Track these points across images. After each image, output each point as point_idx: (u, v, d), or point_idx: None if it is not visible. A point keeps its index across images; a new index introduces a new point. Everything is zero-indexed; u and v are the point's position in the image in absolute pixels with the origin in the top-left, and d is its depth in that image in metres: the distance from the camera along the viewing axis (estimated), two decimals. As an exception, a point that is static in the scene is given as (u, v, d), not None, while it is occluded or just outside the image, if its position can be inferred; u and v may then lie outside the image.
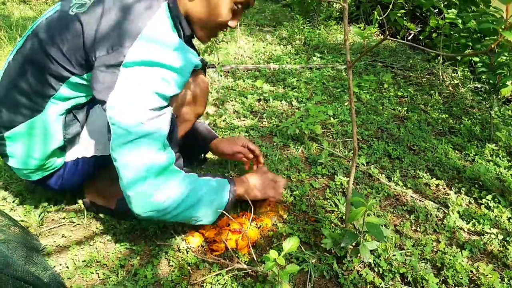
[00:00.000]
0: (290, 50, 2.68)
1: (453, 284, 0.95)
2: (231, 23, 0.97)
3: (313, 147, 1.52)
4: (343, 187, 1.29)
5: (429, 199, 1.27)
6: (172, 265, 1.00)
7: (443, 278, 0.96)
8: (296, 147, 1.52)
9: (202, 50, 1.90)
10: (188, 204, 0.89)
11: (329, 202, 1.21)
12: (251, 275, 0.96)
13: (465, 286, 0.95)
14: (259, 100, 1.93)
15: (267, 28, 3.27)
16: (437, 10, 2.86)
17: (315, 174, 1.37)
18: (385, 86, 2.11)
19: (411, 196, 1.28)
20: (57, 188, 1.07)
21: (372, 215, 1.14)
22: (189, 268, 0.98)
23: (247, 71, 2.27)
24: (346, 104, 1.88)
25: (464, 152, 1.56)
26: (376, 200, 1.23)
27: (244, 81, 2.12)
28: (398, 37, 3.19)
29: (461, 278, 0.95)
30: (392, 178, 1.36)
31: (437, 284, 0.94)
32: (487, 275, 0.96)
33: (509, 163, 1.49)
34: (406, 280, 0.96)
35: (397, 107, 1.93)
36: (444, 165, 1.46)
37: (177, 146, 0.92)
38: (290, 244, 0.86)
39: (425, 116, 1.84)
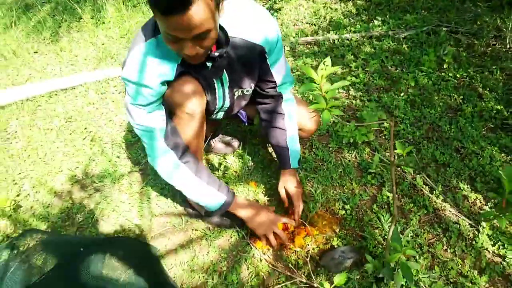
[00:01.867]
0: (351, 10, 2.64)
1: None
2: (185, 52, 0.97)
3: (366, 151, 1.72)
4: (389, 201, 1.52)
5: (465, 215, 1.47)
6: (250, 271, 1.36)
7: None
8: (350, 152, 1.73)
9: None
10: (174, 185, 1.26)
11: (374, 218, 1.47)
12: (309, 286, 1.30)
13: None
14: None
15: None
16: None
17: (365, 183, 1.60)
18: (445, 66, 2.12)
19: (449, 211, 1.49)
20: None
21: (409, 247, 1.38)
22: (263, 274, 1.34)
23: (306, 45, 2.35)
24: (402, 94, 1.97)
25: (511, 156, 1.67)
26: (416, 218, 1.46)
27: (303, 61, 2.23)
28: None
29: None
30: (434, 190, 1.55)
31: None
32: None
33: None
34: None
35: (454, 93, 1.98)
36: (486, 174, 1.60)
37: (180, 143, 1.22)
38: (339, 278, 1.17)
39: (480, 106, 1.90)
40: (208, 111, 1.28)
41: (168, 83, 1.12)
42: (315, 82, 0.88)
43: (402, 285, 1.27)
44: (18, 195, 1.72)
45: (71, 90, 2.36)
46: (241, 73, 1.23)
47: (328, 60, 0.92)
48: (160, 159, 1.20)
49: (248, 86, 1.29)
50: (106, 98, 2.27)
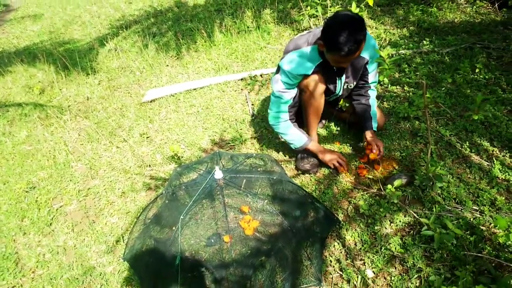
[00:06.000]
0: (405, 33, 3.48)
1: (480, 203, 1.94)
2: (342, 66, 1.95)
3: (416, 123, 2.50)
4: (432, 153, 2.28)
5: (484, 159, 2.19)
6: (339, 189, 2.16)
7: (476, 203, 1.95)
8: (405, 124, 2.52)
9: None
10: (281, 133, 2.19)
11: (421, 161, 2.23)
12: (378, 194, 2.08)
13: (488, 206, 1.92)
14: (381, 85, 2.91)
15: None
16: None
17: (415, 142, 2.37)
18: (477, 70, 2.87)
19: (474, 158, 2.21)
20: None
21: (444, 169, 2.13)
22: (349, 191, 2.14)
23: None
24: (443, 88, 2.75)
25: (522, 127, 2.37)
26: (449, 160, 2.20)
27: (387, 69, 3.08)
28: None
29: (484, 204, 1.93)
30: (463, 145, 2.29)
31: (472, 205, 1.94)
32: (502, 201, 1.92)
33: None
34: (456, 200, 1.97)
35: (482, 88, 2.71)
36: (502, 136, 2.31)
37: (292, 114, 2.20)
38: (397, 182, 1.95)
39: (502, 96, 2.61)
40: (328, 94, 2.21)
41: (305, 76, 2.04)
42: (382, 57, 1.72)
43: (438, 192, 2.02)
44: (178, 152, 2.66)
45: (199, 89, 3.37)
46: (351, 75, 2.15)
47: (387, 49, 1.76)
48: (276, 114, 2.17)
49: (352, 83, 2.19)
50: (226, 93, 3.24)
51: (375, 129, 2.26)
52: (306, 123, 2.27)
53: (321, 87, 2.08)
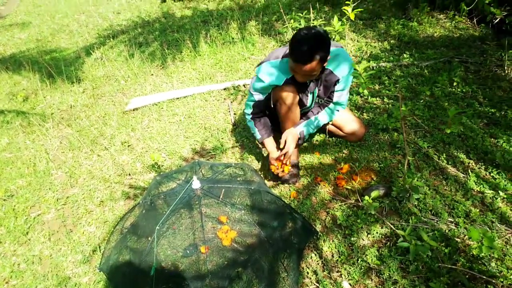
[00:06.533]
0: (386, 47, 3.55)
1: (456, 215, 1.96)
2: (297, 79, 2.02)
3: (395, 135, 2.53)
4: (409, 163, 2.31)
5: (460, 171, 2.23)
6: (318, 199, 2.17)
7: (452, 215, 1.98)
8: (383, 135, 2.55)
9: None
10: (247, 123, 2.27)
11: (399, 172, 2.26)
12: (356, 205, 2.09)
13: (462, 217, 1.95)
14: (361, 96, 2.95)
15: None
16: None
17: (394, 154, 2.40)
18: (454, 84, 2.93)
19: (450, 170, 2.25)
20: None
21: (421, 181, 2.16)
22: (327, 201, 2.15)
23: (352, 70, 3.25)
24: (421, 100, 2.79)
25: (497, 139, 2.42)
26: (427, 172, 2.23)
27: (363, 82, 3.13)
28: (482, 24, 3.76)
29: (459, 216, 1.96)
30: (440, 157, 2.33)
31: (447, 217, 1.96)
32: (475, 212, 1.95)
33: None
34: (432, 212, 2.00)
35: (460, 101, 2.77)
36: (478, 148, 2.35)
37: (259, 111, 2.25)
38: (374, 193, 1.97)
39: (479, 110, 2.67)
40: (301, 106, 2.24)
41: (277, 86, 2.09)
42: (357, 71, 1.75)
43: (414, 204, 2.05)
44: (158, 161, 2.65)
45: (183, 98, 3.37)
46: (322, 90, 2.18)
47: (363, 63, 1.80)
48: (247, 110, 2.25)
49: (322, 98, 2.23)
50: (209, 103, 3.25)
51: (300, 130, 2.23)
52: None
53: (294, 98, 2.13)
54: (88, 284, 1.94)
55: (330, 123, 2.43)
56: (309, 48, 1.81)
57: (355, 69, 1.78)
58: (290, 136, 2.16)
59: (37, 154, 3.01)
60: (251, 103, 2.23)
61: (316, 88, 2.17)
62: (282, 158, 2.18)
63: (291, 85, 2.08)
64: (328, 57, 1.93)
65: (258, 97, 2.19)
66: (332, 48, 1.99)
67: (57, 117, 3.53)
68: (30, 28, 6.40)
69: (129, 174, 2.61)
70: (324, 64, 1.95)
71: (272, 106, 2.22)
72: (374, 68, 3.22)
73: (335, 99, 2.20)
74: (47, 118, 3.51)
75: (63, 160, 2.89)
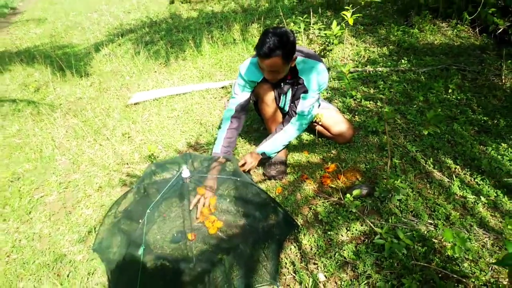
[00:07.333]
0: (385, 52, 3.60)
1: (436, 217, 2.02)
2: (264, 75, 2.13)
3: (384, 138, 2.59)
4: (396, 165, 2.37)
5: (445, 176, 2.28)
6: (302, 196, 2.25)
7: (432, 217, 2.04)
8: (373, 138, 2.61)
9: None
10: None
11: (384, 174, 2.32)
12: (338, 203, 2.16)
13: (442, 220, 2.00)
14: (354, 99, 3.02)
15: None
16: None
17: (381, 156, 2.46)
18: (450, 91, 2.97)
19: (436, 174, 2.30)
20: None
21: (405, 183, 2.22)
22: (311, 198, 2.23)
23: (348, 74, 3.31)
24: (414, 106, 2.85)
25: (486, 147, 2.46)
26: (412, 175, 2.29)
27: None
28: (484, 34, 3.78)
29: (439, 218, 2.01)
30: (427, 161, 2.38)
31: (427, 219, 2.02)
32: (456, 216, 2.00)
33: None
34: (412, 213, 2.05)
35: (453, 108, 2.81)
36: (466, 155, 2.40)
37: (240, 110, 2.28)
38: (355, 192, 2.03)
39: (471, 117, 2.71)
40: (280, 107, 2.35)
41: (257, 83, 2.20)
42: (343, 72, 1.83)
43: (396, 204, 2.11)
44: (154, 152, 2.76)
45: (182, 95, 3.49)
46: (295, 94, 2.27)
47: (348, 65, 1.88)
48: (227, 112, 2.30)
49: (293, 104, 2.31)
50: (206, 100, 3.36)
51: (261, 153, 2.33)
52: (268, 131, 2.44)
53: (271, 94, 2.26)
54: (81, 261, 2.05)
55: (320, 123, 2.50)
56: (270, 43, 1.91)
57: (342, 71, 1.86)
58: (249, 157, 2.29)
59: (44, 141, 3.16)
60: (233, 104, 2.29)
61: (290, 91, 2.28)
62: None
63: (268, 83, 2.21)
64: (294, 58, 2.05)
65: (241, 96, 2.28)
66: (311, 60, 2.12)
67: (65, 107, 3.68)
68: (45, 24, 6.63)
69: (127, 163, 2.73)
70: (291, 65, 2.08)
71: (253, 104, 2.36)
72: (371, 72, 3.28)
73: (298, 108, 2.27)
74: (55, 108, 3.66)
75: (68, 148, 3.03)
